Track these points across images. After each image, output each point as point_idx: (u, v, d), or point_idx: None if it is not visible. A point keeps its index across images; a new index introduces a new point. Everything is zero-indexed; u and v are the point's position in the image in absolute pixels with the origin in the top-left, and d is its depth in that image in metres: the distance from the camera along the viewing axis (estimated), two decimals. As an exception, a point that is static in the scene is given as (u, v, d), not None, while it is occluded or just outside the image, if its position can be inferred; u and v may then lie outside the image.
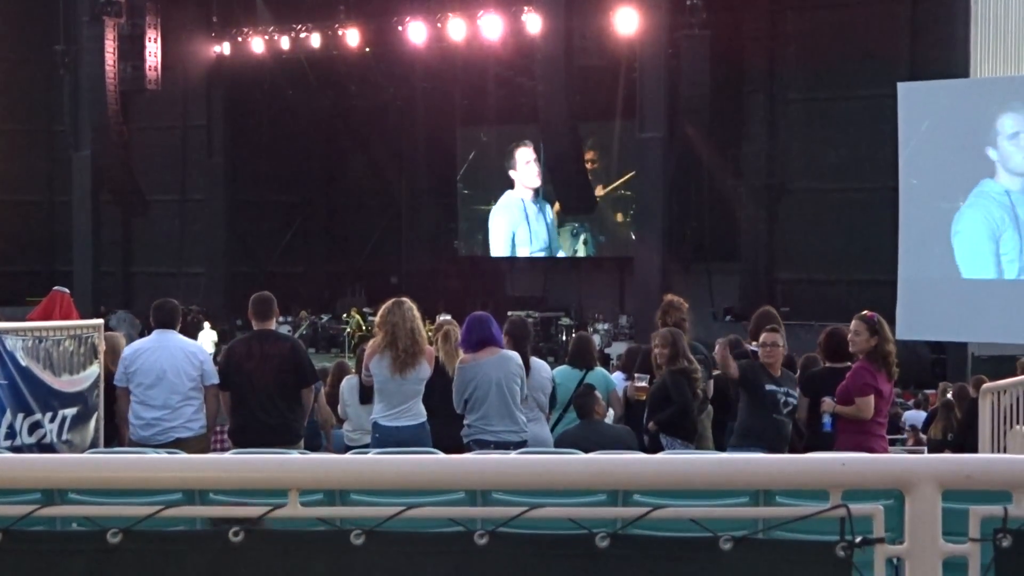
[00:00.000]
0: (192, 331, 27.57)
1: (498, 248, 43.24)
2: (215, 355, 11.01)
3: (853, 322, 9.55)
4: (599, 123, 39.53)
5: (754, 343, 10.52)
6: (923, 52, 33.01)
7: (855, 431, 9.37)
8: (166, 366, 10.06)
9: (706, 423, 10.41)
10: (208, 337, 32.15)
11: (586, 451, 8.97)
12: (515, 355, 9.84)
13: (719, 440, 10.58)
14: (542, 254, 42.53)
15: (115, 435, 10.53)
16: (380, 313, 9.82)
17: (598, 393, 10.37)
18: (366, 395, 11.00)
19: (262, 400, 10.03)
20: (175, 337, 10.36)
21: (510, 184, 42.40)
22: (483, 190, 43.63)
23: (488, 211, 43.35)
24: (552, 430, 10.49)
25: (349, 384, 11.46)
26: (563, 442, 9.82)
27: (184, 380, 10.07)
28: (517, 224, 42.41)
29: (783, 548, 2.65)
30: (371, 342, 9.98)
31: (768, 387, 9.65)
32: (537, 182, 41.58)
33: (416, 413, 9.64)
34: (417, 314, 9.69)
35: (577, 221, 41.07)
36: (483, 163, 43.42)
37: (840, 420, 9.48)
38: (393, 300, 9.85)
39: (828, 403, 9.50)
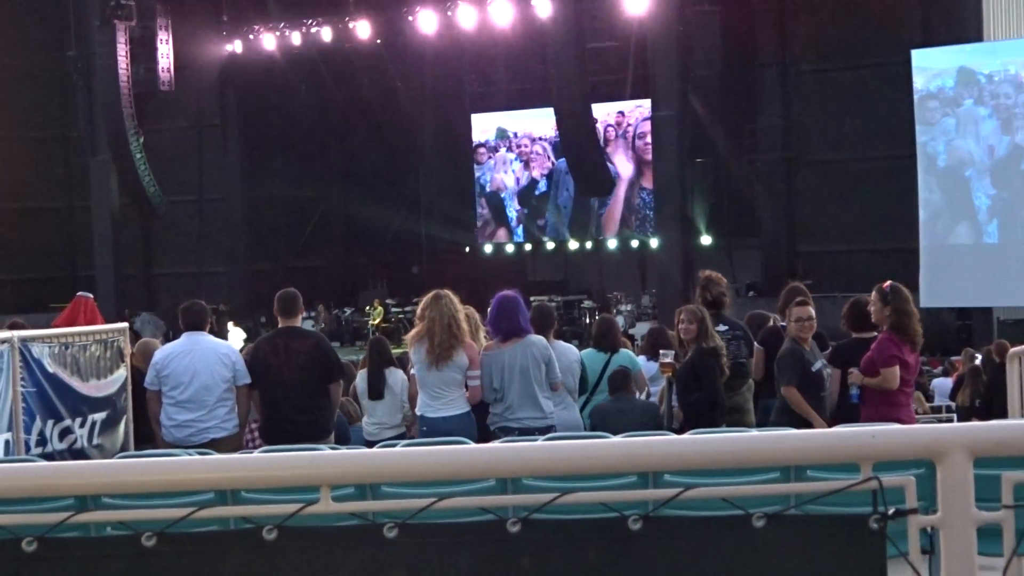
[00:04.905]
0: (219, 330, 27.53)
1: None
2: (242, 352, 10.98)
3: (872, 293, 9.57)
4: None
5: (783, 319, 10.51)
6: (935, 17, 32.83)
7: (881, 402, 9.33)
8: (199, 368, 10.03)
9: (747, 396, 10.37)
10: (237, 336, 32.16)
11: (616, 423, 9.18)
12: (539, 339, 9.86)
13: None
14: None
15: (145, 437, 10.54)
16: (420, 306, 9.93)
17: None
18: (374, 391, 11.27)
19: (290, 397, 10.05)
20: (206, 338, 10.31)
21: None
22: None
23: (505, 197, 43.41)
24: (581, 411, 10.55)
25: (361, 378, 11.55)
26: (595, 415, 10.28)
27: (218, 381, 10.04)
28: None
29: (816, 523, 2.65)
30: (412, 331, 10.05)
31: (815, 367, 9.59)
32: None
33: (459, 403, 9.71)
34: (457, 306, 9.76)
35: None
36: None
37: (865, 391, 9.44)
38: (433, 293, 9.92)
39: (856, 375, 9.47)
